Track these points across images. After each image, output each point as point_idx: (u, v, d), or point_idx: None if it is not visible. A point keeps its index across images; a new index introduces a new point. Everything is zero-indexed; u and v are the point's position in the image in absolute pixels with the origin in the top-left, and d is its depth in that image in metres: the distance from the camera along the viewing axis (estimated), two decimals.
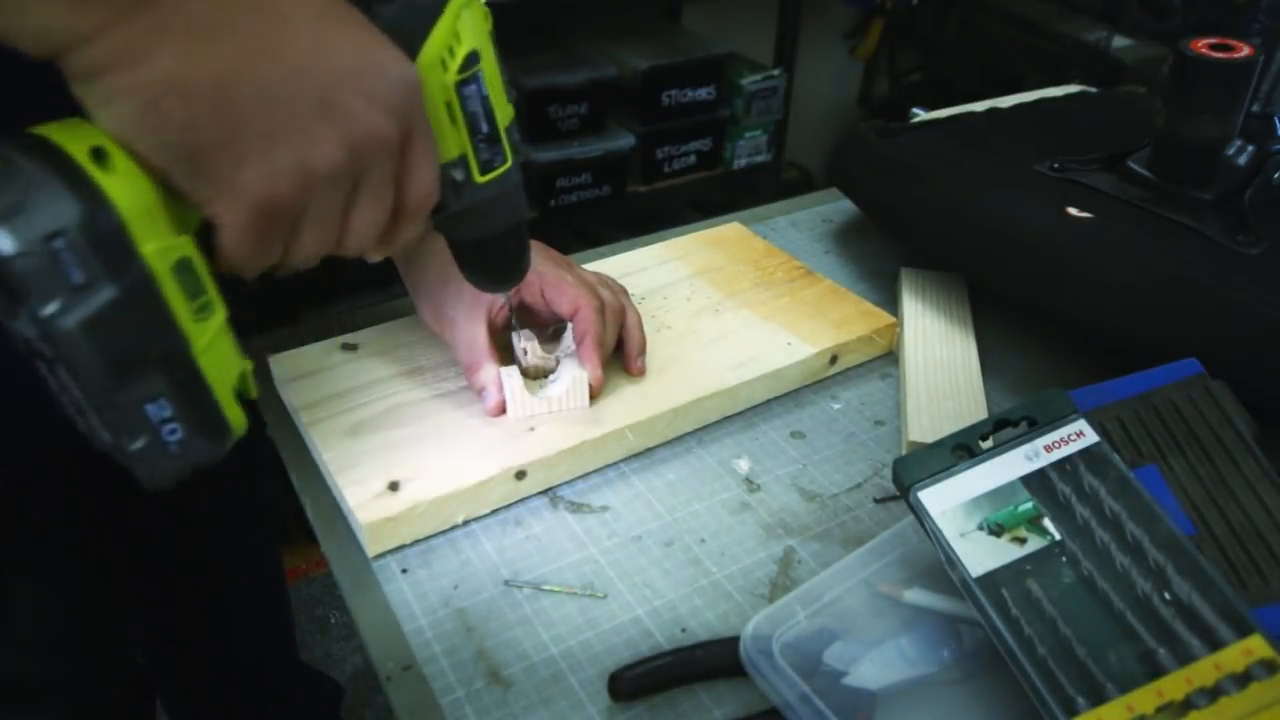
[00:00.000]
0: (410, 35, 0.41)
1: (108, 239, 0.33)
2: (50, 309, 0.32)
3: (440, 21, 0.42)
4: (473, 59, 0.43)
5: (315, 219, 0.39)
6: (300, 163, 0.36)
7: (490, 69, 0.45)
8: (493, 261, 0.52)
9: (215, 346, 0.37)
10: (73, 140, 0.33)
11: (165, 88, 0.33)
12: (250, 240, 0.37)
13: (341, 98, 0.37)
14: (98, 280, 0.33)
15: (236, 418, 0.39)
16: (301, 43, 0.36)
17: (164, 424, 0.36)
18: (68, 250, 0.32)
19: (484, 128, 0.45)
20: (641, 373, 0.65)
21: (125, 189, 0.33)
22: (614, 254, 0.81)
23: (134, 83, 0.32)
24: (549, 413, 0.61)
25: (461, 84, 0.43)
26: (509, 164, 0.47)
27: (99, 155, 0.33)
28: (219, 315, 0.37)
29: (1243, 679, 0.42)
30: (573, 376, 0.61)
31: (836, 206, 0.93)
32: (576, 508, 0.59)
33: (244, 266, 0.38)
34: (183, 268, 0.35)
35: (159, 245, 0.34)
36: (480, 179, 0.46)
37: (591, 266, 0.78)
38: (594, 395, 0.62)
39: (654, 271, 0.78)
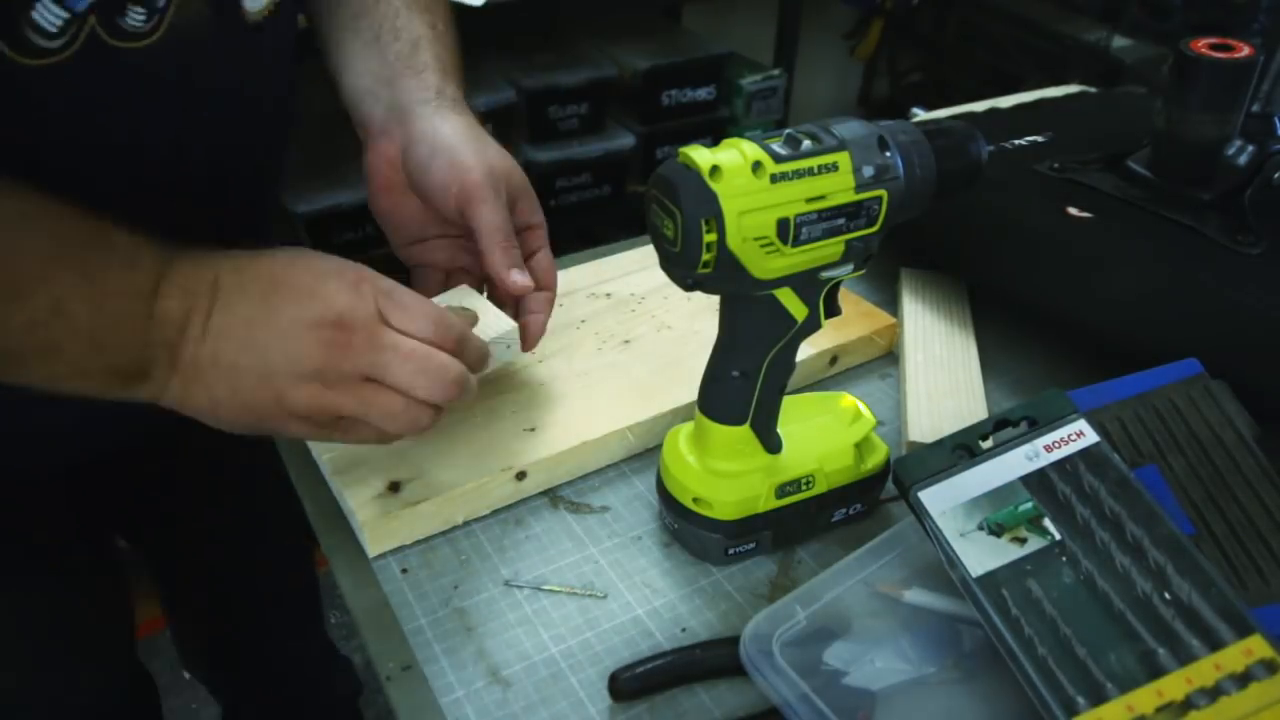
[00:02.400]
0: None
1: None
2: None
3: None
4: None
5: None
6: None
7: None
8: None
9: None
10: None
11: None
12: None
13: None
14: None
15: None
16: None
17: None
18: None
19: None
20: (516, 283, 0.57)
21: None
22: (614, 254, 0.81)
23: None
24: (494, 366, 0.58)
25: None
26: None
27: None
28: None
29: (1243, 679, 0.42)
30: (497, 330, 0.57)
31: None
32: (576, 508, 0.59)
33: None
34: None
35: None
36: None
37: (591, 266, 0.78)
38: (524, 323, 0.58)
39: (654, 271, 0.77)
